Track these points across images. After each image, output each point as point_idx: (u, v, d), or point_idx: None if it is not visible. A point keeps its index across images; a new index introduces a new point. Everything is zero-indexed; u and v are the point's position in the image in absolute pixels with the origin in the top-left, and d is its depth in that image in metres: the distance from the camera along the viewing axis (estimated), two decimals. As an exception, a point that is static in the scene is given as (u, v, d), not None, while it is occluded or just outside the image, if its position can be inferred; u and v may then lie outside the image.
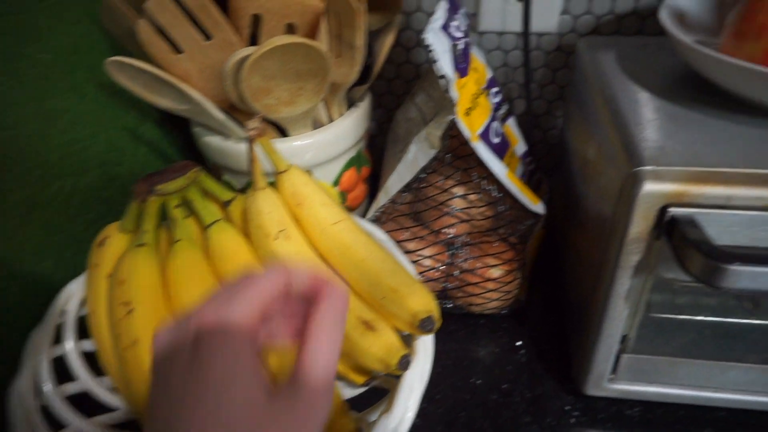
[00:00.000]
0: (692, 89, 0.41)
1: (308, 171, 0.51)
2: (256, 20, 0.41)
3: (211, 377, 0.22)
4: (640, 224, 0.34)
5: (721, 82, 0.38)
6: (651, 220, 0.34)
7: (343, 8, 0.40)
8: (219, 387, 0.22)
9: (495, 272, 0.49)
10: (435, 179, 0.48)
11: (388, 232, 0.49)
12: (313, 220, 0.41)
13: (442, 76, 0.37)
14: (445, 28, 0.41)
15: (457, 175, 0.47)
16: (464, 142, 0.42)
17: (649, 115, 0.38)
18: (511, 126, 0.54)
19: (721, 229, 0.33)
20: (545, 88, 0.62)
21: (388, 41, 0.50)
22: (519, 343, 0.51)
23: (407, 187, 0.47)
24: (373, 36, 0.51)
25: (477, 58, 0.48)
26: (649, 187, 0.33)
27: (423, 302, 0.35)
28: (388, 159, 0.56)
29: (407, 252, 0.49)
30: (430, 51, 0.36)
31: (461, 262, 0.49)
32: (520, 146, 0.55)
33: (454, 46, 0.41)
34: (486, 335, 0.52)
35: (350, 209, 0.59)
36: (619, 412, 0.45)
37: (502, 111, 0.53)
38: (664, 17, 0.41)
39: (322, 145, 0.50)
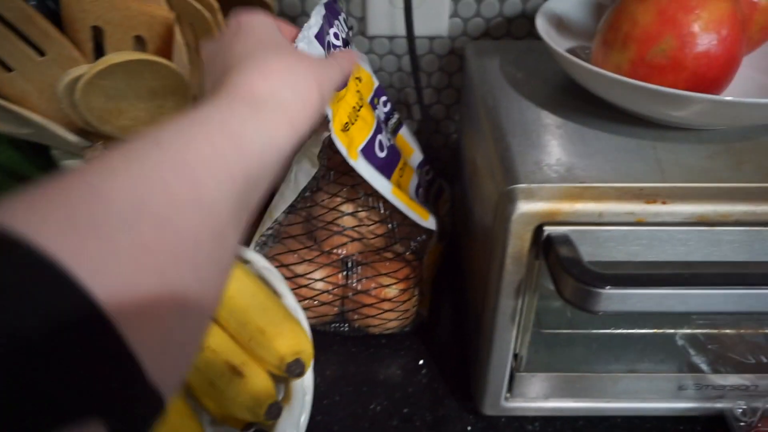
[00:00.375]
0: (573, 97, 0.40)
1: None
2: (100, 33, 0.36)
3: (253, 32, 0.29)
4: (517, 243, 0.33)
5: (594, 91, 0.37)
6: (528, 239, 0.32)
7: (197, 18, 0.36)
8: (259, 31, 0.29)
9: (390, 291, 0.46)
10: (321, 197, 0.45)
11: (276, 255, 0.46)
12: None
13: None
14: (320, 36, 0.38)
15: (345, 192, 0.44)
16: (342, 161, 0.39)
17: (527, 127, 0.37)
18: (405, 135, 0.52)
19: (597, 246, 0.32)
20: (442, 93, 0.60)
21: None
22: (421, 362, 0.49)
23: (292, 209, 0.44)
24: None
25: (361, 66, 0.45)
26: (523, 206, 0.31)
27: (290, 344, 0.32)
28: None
29: (296, 276, 0.46)
30: None
31: (355, 283, 0.46)
32: (416, 155, 0.53)
33: (327, 55, 0.38)
34: (388, 356, 0.50)
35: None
36: (521, 428, 0.43)
37: (393, 120, 0.50)
38: (540, 23, 0.40)
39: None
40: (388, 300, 0.46)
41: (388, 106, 0.49)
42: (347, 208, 0.45)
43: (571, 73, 0.38)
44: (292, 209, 0.44)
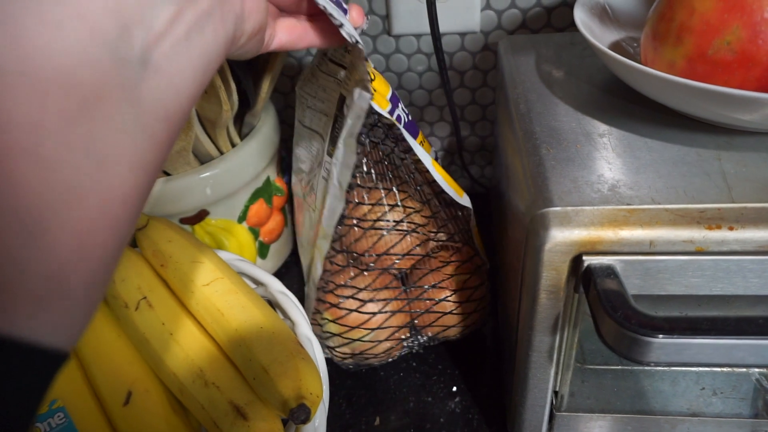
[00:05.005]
0: (620, 98, 0.35)
1: (207, 210, 0.44)
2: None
3: None
4: (551, 275, 0.28)
5: (644, 92, 0.31)
6: (565, 270, 0.28)
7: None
8: None
9: (466, 282, 0.42)
10: (358, 196, 0.40)
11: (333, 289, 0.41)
12: (180, 282, 0.34)
13: (357, 42, 0.31)
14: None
15: (381, 184, 0.40)
16: (376, 144, 0.35)
17: (564, 137, 0.32)
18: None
19: (648, 279, 0.27)
20: (477, 92, 0.55)
21: (276, 60, 0.43)
22: (454, 389, 0.45)
23: (343, 219, 0.40)
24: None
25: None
26: (558, 234, 0.27)
27: (294, 386, 0.29)
28: (296, 200, 0.50)
29: (351, 311, 0.41)
30: (331, 15, 0.29)
31: (416, 286, 0.42)
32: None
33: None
34: (417, 380, 0.46)
35: (267, 244, 0.52)
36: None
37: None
38: (579, 14, 0.35)
39: (212, 182, 0.44)
40: (469, 288, 0.42)
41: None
42: (390, 200, 0.40)
43: (616, 72, 0.33)
44: (342, 221, 0.40)
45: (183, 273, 0.34)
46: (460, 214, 0.41)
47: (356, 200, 0.39)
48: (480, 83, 0.54)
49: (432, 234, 0.42)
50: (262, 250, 0.52)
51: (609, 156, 0.30)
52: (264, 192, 0.50)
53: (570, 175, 0.29)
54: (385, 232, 0.40)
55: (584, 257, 0.27)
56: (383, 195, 0.40)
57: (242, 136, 0.47)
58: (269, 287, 0.39)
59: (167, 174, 0.43)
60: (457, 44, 0.52)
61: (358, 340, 0.41)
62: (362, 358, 0.43)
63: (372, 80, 0.34)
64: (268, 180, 0.50)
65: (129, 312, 0.33)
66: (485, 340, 0.48)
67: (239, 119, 0.47)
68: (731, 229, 0.25)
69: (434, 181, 0.38)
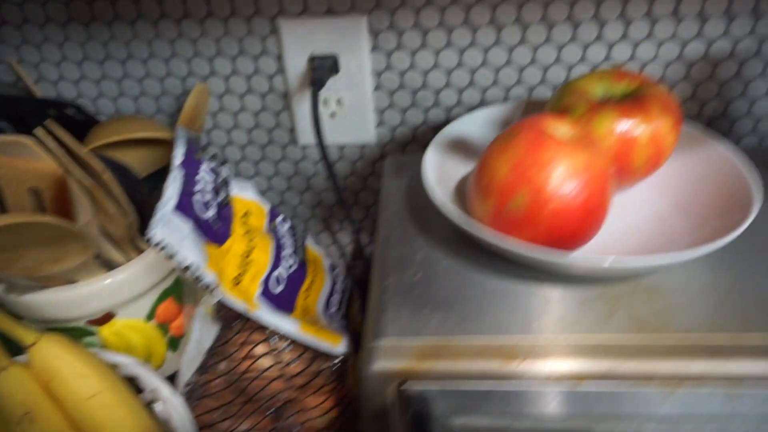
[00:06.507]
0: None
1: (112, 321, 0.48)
2: None
3: None
4: (377, 400, 0.32)
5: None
6: (389, 396, 0.32)
7: (89, 174, 0.38)
8: None
9: (322, 421, 0.46)
10: (230, 349, 0.44)
11: (199, 416, 0.45)
12: (64, 395, 0.37)
13: (188, 267, 0.35)
14: (183, 206, 0.37)
15: (255, 335, 0.44)
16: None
17: (410, 267, 0.37)
18: (312, 245, 0.53)
19: (461, 406, 0.31)
20: (376, 198, 0.61)
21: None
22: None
23: (203, 369, 0.44)
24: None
25: (245, 197, 0.46)
26: (382, 363, 0.31)
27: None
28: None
29: None
30: (163, 248, 0.33)
31: (283, 423, 0.46)
32: (326, 259, 0.54)
33: (197, 220, 0.38)
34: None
35: (177, 337, 0.55)
36: None
37: (298, 236, 0.51)
38: (430, 157, 0.40)
39: (117, 287, 0.47)
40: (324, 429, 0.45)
41: (287, 223, 0.50)
42: (261, 350, 0.45)
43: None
44: (203, 369, 0.44)
45: (68, 385, 0.37)
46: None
47: (229, 354, 0.43)
48: (378, 189, 0.60)
49: (298, 378, 0.46)
50: (173, 344, 0.55)
51: (441, 289, 0.35)
52: (173, 291, 0.53)
53: (404, 307, 0.34)
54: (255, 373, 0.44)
55: (403, 385, 0.31)
56: (253, 345, 0.44)
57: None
58: (158, 392, 0.42)
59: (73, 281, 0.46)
60: (356, 154, 0.57)
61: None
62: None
63: (243, 274, 0.39)
64: (177, 279, 0.54)
65: (12, 427, 0.36)
66: None
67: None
68: (525, 360, 0.30)
69: None
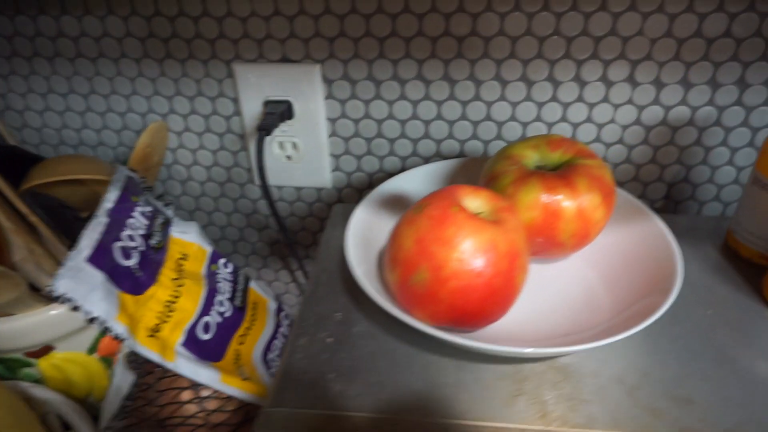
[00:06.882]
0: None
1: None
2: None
3: None
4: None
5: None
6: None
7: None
8: None
9: None
10: (151, 395, 0.44)
11: None
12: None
13: (93, 319, 0.35)
14: (98, 255, 0.37)
15: (179, 381, 0.44)
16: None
17: (326, 327, 0.36)
18: (256, 288, 0.52)
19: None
20: (338, 236, 0.60)
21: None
22: None
23: (124, 414, 0.44)
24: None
25: (186, 240, 0.45)
26: (268, 435, 0.30)
27: None
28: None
29: None
30: (66, 301, 0.33)
31: None
32: (271, 303, 0.53)
33: (115, 269, 0.37)
34: None
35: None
36: None
37: (241, 278, 0.51)
38: (360, 212, 0.40)
39: (56, 321, 0.48)
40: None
41: (230, 266, 0.49)
42: (187, 396, 0.44)
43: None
44: (124, 414, 0.44)
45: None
46: None
47: (151, 400, 0.43)
48: (339, 229, 0.60)
49: (225, 419, 0.45)
50: (117, 377, 0.55)
51: (349, 356, 0.34)
52: (119, 324, 0.53)
53: (309, 372, 0.33)
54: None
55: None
56: (178, 392, 0.43)
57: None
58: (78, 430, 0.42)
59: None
60: (314, 196, 0.57)
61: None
62: None
63: (165, 322, 0.39)
64: (124, 312, 0.54)
65: None
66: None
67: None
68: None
69: None
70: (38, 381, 0.50)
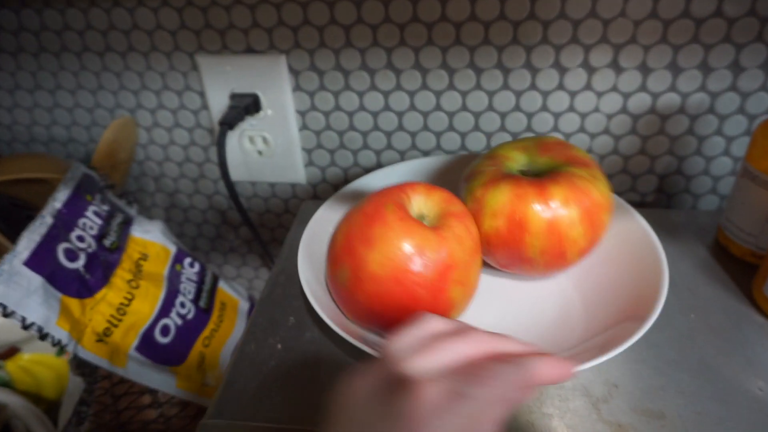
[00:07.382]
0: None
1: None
2: None
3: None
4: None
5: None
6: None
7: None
8: None
9: None
10: (110, 397, 0.43)
11: None
12: None
13: (29, 325, 0.33)
14: (37, 258, 0.35)
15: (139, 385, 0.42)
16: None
17: (274, 330, 0.34)
18: (226, 287, 0.51)
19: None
20: (317, 233, 0.58)
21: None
22: None
23: (79, 419, 0.42)
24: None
25: (148, 239, 0.44)
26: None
27: None
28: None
29: None
30: None
31: None
32: (243, 304, 0.51)
33: (56, 272, 0.35)
34: None
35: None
36: None
37: (208, 278, 0.49)
38: (315, 219, 0.38)
39: (13, 324, 0.47)
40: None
41: (197, 266, 0.48)
42: (146, 400, 0.43)
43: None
44: (80, 420, 0.42)
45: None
46: None
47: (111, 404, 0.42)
48: (316, 226, 0.58)
49: (186, 425, 0.44)
50: (89, 378, 0.54)
51: (295, 365, 0.32)
52: (89, 325, 0.52)
53: (254, 381, 0.31)
54: None
55: (229, 474, 0.29)
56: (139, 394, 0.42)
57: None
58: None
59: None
60: (288, 192, 0.55)
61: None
62: None
63: (116, 327, 0.37)
64: (94, 313, 0.52)
65: None
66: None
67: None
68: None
69: None
70: (6, 383, 0.50)
